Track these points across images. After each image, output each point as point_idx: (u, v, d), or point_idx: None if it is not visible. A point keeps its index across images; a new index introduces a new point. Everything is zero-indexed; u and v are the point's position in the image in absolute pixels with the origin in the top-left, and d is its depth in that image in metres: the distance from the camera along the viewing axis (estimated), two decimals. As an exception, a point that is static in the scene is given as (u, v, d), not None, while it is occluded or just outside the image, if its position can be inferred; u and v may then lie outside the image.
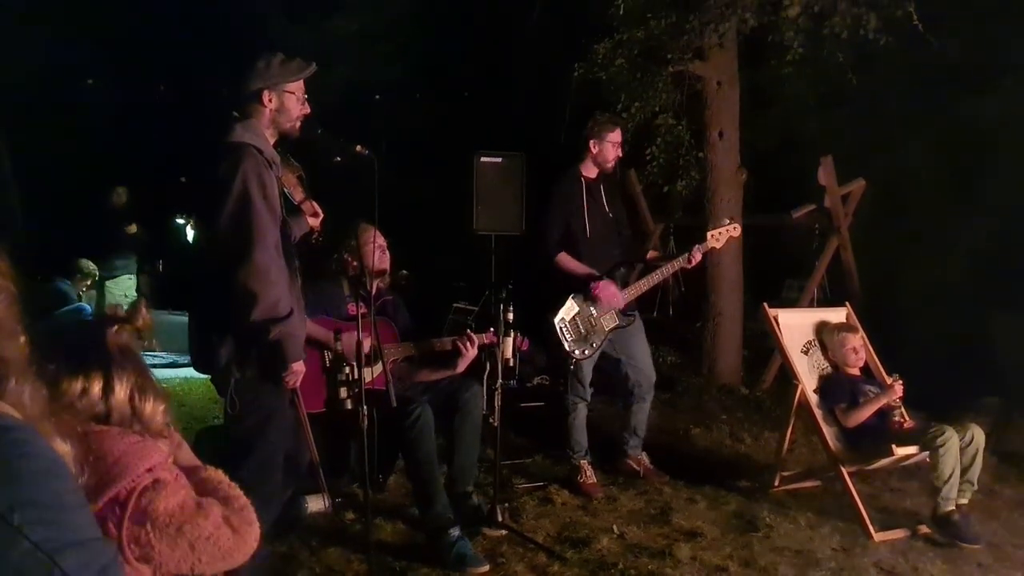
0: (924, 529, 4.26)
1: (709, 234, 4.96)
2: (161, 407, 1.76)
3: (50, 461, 1.15)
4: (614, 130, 4.93)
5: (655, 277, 4.97)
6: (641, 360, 5.08)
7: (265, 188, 3.00)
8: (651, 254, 5.19)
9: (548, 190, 4.95)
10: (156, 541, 1.60)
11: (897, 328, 6.36)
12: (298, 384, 3.18)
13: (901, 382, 4.57)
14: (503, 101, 9.37)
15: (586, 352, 4.77)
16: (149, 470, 1.63)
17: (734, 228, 5.01)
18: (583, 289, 4.72)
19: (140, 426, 1.71)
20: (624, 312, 4.83)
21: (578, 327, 4.74)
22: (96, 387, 1.68)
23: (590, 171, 4.95)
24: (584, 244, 4.83)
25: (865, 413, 4.53)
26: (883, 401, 4.54)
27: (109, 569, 1.17)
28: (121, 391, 1.70)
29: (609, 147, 4.89)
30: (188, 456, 1.91)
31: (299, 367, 3.12)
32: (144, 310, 1.84)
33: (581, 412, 4.98)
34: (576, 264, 4.79)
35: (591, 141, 4.90)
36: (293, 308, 3.04)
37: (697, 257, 4.85)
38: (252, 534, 1.75)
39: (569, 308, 4.71)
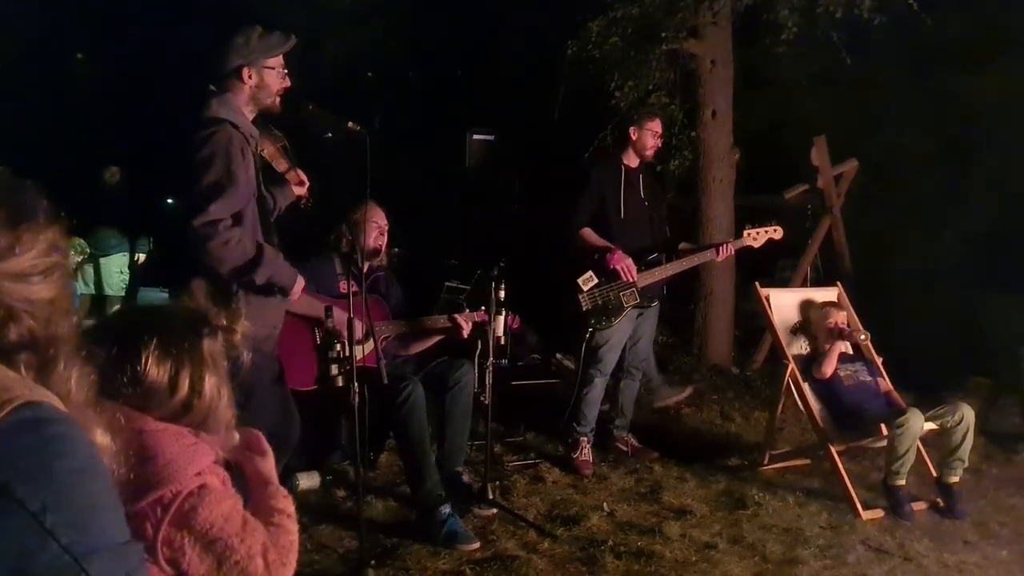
0: (912, 506, 4.30)
1: (746, 232, 5.08)
2: (231, 414, 1.71)
3: (88, 459, 1.13)
4: (654, 119, 5.08)
5: (678, 265, 5.04)
6: (643, 342, 5.16)
7: (235, 163, 2.99)
8: (683, 245, 5.23)
9: (585, 173, 5.06)
10: (189, 547, 1.57)
11: (889, 308, 6.38)
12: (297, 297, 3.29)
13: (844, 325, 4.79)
14: (496, 79, 9.30)
15: (602, 324, 4.82)
16: (198, 474, 1.59)
17: (775, 231, 5.08)
18: (601, 263, 4.78)
19: (206, 430, 1.66)
20: (646, 292, 4.87)
21: (596, 299, 4.79)
22: (184, 390, 1.62)
23: (631, 160, 5.03)
24: (617, 228, 4.89)
25: (830, 361, 4.65)
26: (836, 342, 4.69)
27: (135, 573, 1.16)
28: (206, 398, 1.65)
29: (648, 135, 4.99)
30: (269, 470, 1.84)
31: (299, 286, 3.23)
32: (244, 321, 1.77)
33: (597, 387, 4.99)
34: (596, 238, 4.84)
35: (632, 128, 5.01)
36: (259, 242, 3.08)
37: (728, 252, 4.98)
38: (283, 575, 1.68)
39: (588, 278, 4.77)
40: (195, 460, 1.60)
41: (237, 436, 1.82)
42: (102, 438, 1.19)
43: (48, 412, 1.10)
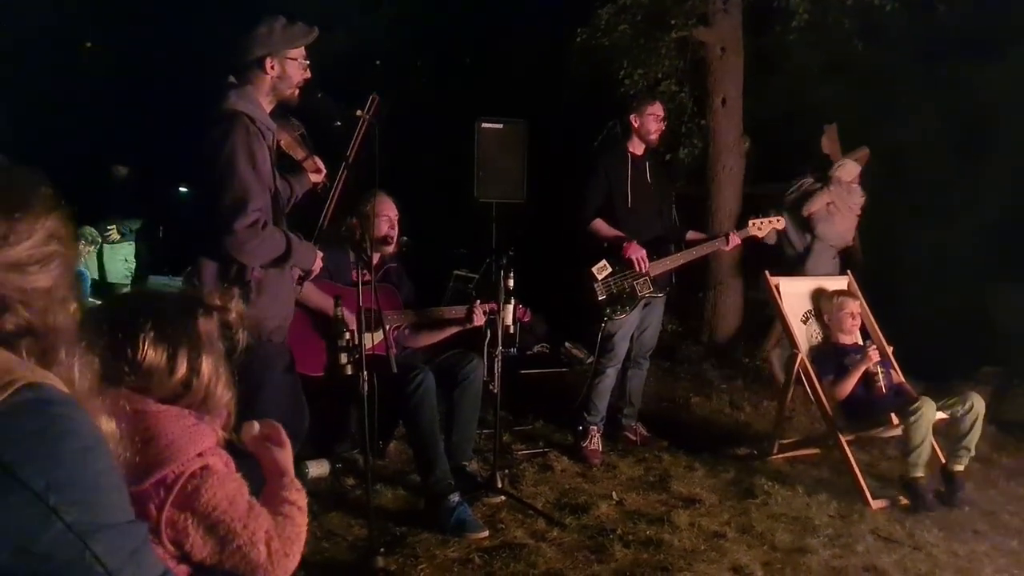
0: (932, 498, 4.27)
1: (751, 223, 5.15)
2: (229, 395, 1.72)
3: (91, 440, 1.12)
4: (653, 103, 5.08)
5: (688, 254, 5.05)
6: (650, 331, 5.16)
7: (254, 158, 2.99)
8: (691, 234, 5.24)
9: (592, 162, 5.05)
10: (192, 529, 1.58)
11: (899, 297, 6.35)
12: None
13: (875, 347, 4.65)
14: (505, 67, 9.27)
15: (617, 312, 4.82)
16: (200, 455, 1.60)
17: (778, 221, 5.21)
18: (614, 253, 4.79)
19: (206, 411, 1.68)
20: (657, 281, 4.88)
21: (611, 288, 4.81)
22: (182, 370, 1.64)
23: (636, 147, 5.02)
24: (624, 217, 4.89)
25: (850, 383, 4.58)
26: (863, 368, 4.58)
27: (139, 552, 1.15)
28: (204, 377, 1.66)
29: (650, 120, 4.97)
30: (286, 461, 1.85)
31: (317, 265, 3.31)
32: (238, 301, 1.78)
33: (608, 377, 5.01)
34: (608, 229, 4.86)
35: (632, 116, 4.99)
36: (285, 233, 3.10)
37: (735, 242, 5.03)
38: (285, 566, 1.68)
39: (602, 267, 4.78)
40: (197, 440, 1.61)
41: (256, 426, 1.82)
42: (107, 424, 1.19)
43: (50, 393, 1.09)
